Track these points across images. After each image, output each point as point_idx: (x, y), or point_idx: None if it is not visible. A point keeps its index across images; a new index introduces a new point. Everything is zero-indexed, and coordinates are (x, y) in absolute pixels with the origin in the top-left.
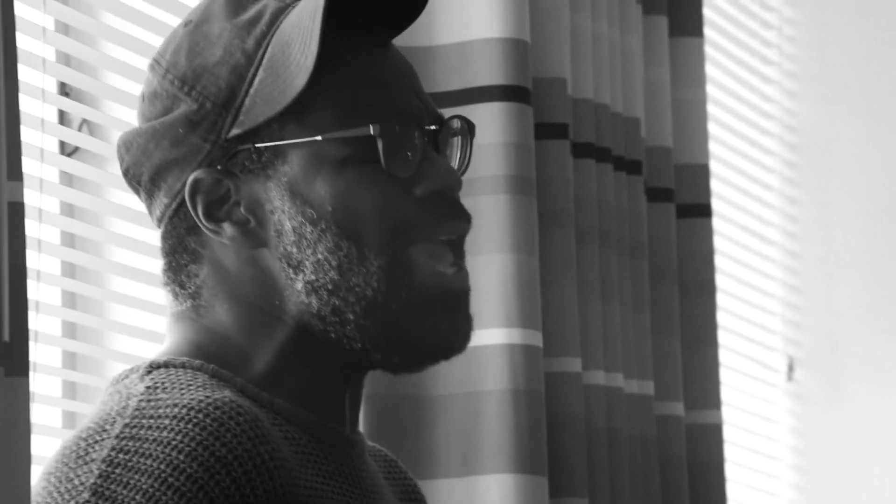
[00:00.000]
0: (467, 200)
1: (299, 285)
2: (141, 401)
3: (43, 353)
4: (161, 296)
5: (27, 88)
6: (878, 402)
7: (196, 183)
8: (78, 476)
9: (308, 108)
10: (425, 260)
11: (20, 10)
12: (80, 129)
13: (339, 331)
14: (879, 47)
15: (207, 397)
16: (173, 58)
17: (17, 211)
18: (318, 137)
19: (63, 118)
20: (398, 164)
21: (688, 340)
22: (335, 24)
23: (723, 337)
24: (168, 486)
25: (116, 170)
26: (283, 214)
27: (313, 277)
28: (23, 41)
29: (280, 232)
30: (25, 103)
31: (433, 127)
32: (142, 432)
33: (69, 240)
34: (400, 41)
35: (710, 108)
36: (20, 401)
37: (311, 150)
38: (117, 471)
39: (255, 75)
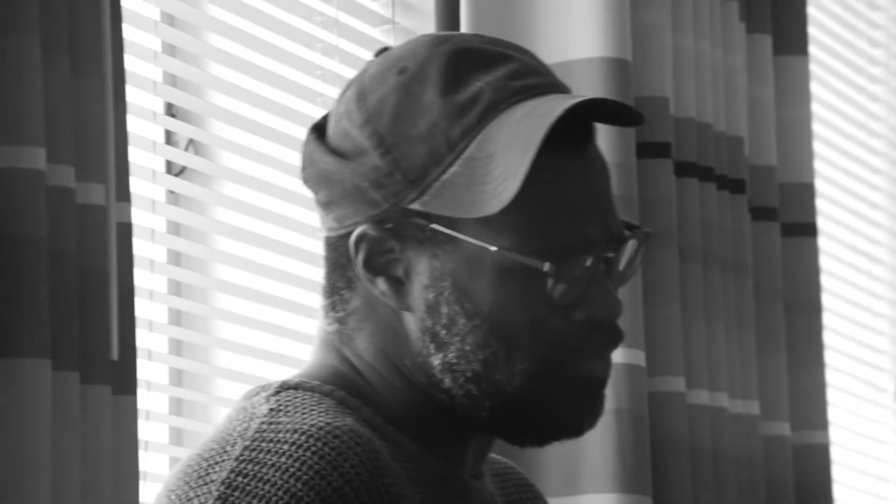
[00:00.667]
0: None
1: (436, 361)
2: (263, 422)
3: (151, 370)
4: (262, 313)
5: (137, 110)
6: None
7: (364, 235)
8: (198, 496)
9: (492, 216)
10: (575, 367)
11: (130, 33)
12: (186, 149)
13: (469, 412)
14: None
15: (327, 423)
16: (378, 107)
17: (125, 231)
18: (494, 248)
19: (169, 138)
20: (564, 297)
21: (794, 360)
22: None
23: (830, 357)
24: None
25: (222, 189)
26: (439, 296)
27: (455, 361)
28: (133, 64)
29: (432, 309)
30: (137, 125)
31: (610, 255)
32: (261, 456)
33: (175, 258)
34: None
35: (816, 127)
36: (128, 418)
37: (482, 250)
38: (235, 493)
39: (451, 164)
